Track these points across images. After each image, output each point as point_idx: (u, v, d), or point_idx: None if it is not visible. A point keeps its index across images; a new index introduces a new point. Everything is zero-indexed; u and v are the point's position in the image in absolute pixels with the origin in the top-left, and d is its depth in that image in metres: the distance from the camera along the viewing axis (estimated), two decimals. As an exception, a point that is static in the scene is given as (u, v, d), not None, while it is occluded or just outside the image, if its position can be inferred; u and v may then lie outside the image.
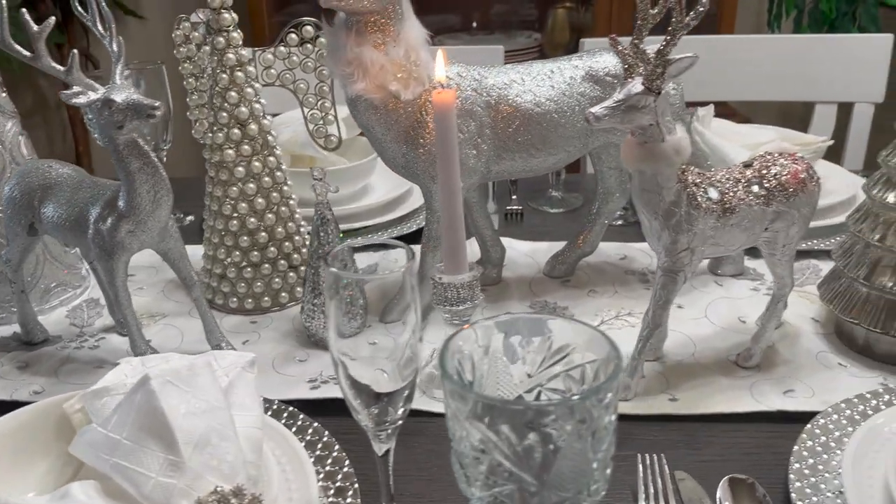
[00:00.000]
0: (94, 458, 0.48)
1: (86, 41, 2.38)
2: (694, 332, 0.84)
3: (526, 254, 1.04)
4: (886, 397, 0.69)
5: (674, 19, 0.62)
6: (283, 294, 0.91)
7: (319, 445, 0.65)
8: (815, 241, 1.00)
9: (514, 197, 1.24)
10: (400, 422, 0.54)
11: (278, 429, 0.64)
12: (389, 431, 0.54)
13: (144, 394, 0.48)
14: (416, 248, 1.03)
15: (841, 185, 1.12)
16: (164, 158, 1.19)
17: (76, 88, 0.67)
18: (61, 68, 0.67)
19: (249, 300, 0.90)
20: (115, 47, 0.71)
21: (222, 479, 0.47)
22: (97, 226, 0.73)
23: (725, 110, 2.09)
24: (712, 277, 0.95)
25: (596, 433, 0.41)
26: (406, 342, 0.55)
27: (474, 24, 2.49)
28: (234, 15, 0.85)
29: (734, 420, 0.71)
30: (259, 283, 0.90)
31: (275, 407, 0.70)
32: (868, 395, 0.69)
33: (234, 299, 0.90)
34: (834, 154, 1.38)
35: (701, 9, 0.62)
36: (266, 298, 0.91)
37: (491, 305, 0.91)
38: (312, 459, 0.63)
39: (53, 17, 0.68)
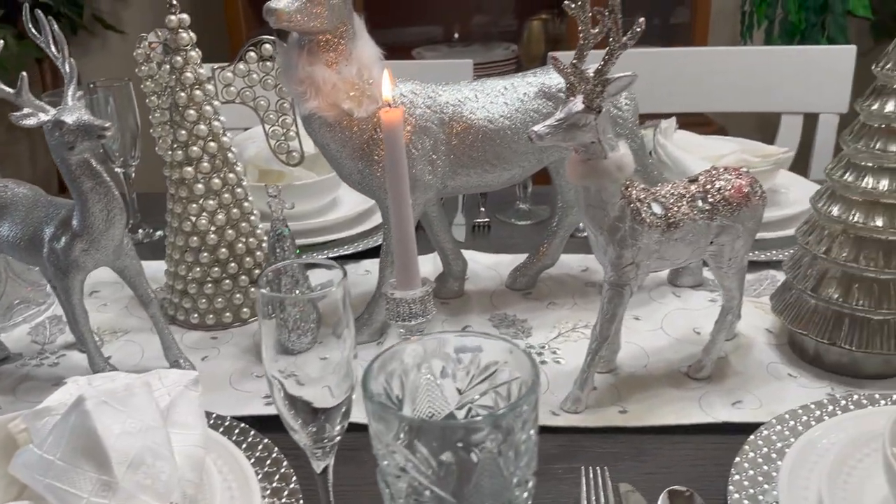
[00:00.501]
0: (30, 478, 0.48)
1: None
2: (649, 343, 0.85)
3: (489, 266, 1.05)
4: (830, 408, 0.70)
5: (611, 40, 0.64)
6: (245, 310, 0.92)
7: (268, 462, 0.66)
8: (773, 252, 1.01)
9: (482, 209, 1.26)
10: (338, 438, 0.55)
11: (227, 445, 0.64)
12: (327, 448, 0.55)
13: (79, 415, 0.48)
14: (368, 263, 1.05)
15: (803, 196, 1.12)
16: (133, 174, 1.20)
17: (26, 110, 0.68)
18: (10, 90, 0.67)
19: (210, 316, 0.91)
20: (67, 68, 0.72)
21: (156, 498, 0.48)
22: (52, 245, 0.74)
23: (702, 120, 2.11)
24: (671, 289, 0.96)
25: (515, 449, 0.42)
26: (344, 358, 0.56)
27: (456, 36, 2.52)
28: (192, 34, 0.86)
29: (682, 432, 0.72)
30: (220, 299, 0.91)
31: (227, 423, 0.71)
32: (813, 406, 0.70)
33: (195, 315, 0.91)
34: (801, 164, 1.40)
35: (638, 29, 0.63)
36: (227, 314, 0.91)
37: (451, 318, 0.92)
38: (260, 476, 0.64)
39: (1, 41, 0.69)
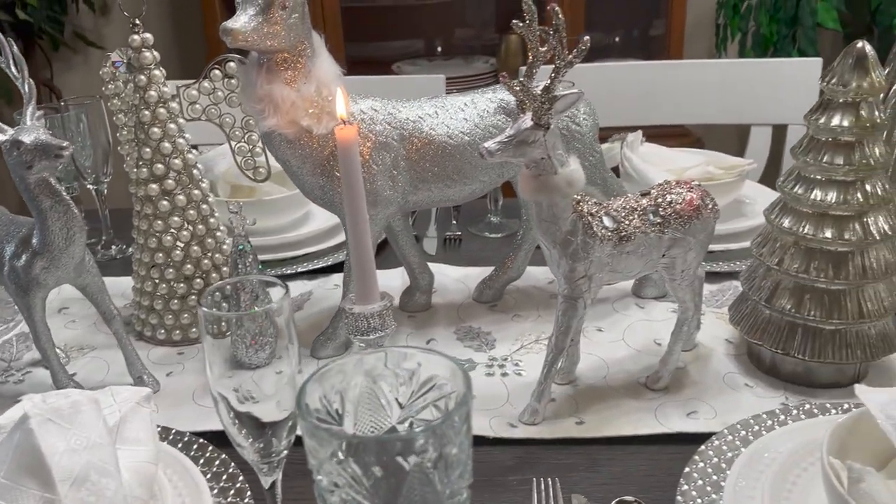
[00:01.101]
0: (-24, 496, 0.49)
1: (49, 72, 2.40)
2: (609, 355, 0.86)
3: (458, 279, 1.06)
4: (782, 417, 0.71)
5: (557, 58, 0.65)
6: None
7: (224, 477, 0.66)
8: (737, 263, 1.02)
9: (454, 222, 1.27)
10: (285, 452, 0.56)
11: (182, 461, 0.65)
12: (274, 464, 0.55)
13: (23, 433, 0.49)
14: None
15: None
16: (106, 191, 1.21)
17: (-16, 130, 0.69)
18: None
19: (177, 332, 0.92)
20: (25, 89, 0.73)
21: (99, 514, 0.48)
22: (12, 263, 0.74)
23: (681, 132, 2.13)
24: (634, 300, 0.98)
25: (445, 462, 0.43)
26: (292, 372, 0.57)
27: (439, 49, 2.54)
28: (156, 53, 0.87)
29: (637, 442, 0.72)
30: (186, 315, 0.91)
31: (186, 439, 0.71)
32: (765, 416, 0.71)
33: (162, 331, 0.92)
34: (772, 175, 1.41)
35: (583, 47, 0.65)
36: (193, 330, 0.92)
37: (416, 332, 0.93)
38: (215, 491, 0.64)
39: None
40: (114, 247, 1.20)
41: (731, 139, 2.19)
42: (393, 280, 1.04)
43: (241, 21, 0.73)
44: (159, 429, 0.73)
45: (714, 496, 0.62)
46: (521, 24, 0.66)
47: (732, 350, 0.86)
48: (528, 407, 0.76)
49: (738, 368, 0.82)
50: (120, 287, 1.04)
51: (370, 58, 2.29)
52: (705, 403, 0.76)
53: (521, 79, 0.66)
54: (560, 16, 0.64)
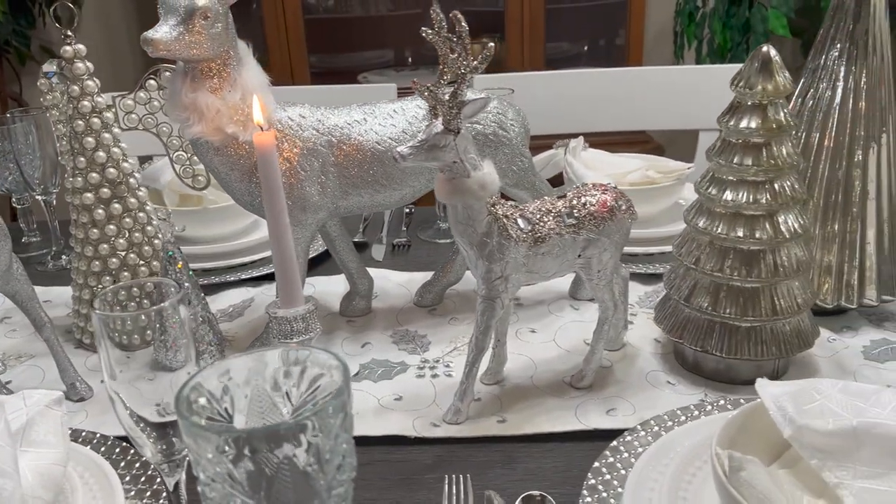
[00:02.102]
0: None
1: (17, 86, 2.41)
2: (539, 355, 0.87)
3: (400, 284, 1.07)
4: (696, 413, 0.73)
5: (463, 64, 0.67)
6: (149, 332, 0.93)
7: (143, 479, 0.67)
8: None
9: (404, 229, 1.28)
10: (185, 451, 0.57)
11: (100, 463, 0.66)
12: (176, 463, 0.56)
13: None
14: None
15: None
16: (55, 201, 1.22)
17: None
18: None
19: (122, 338, 0.92)
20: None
21: (-6, 514, 0.49)
22: (-61, 271, 0.75)
23: (642, 138, 2.16)
24: (569, 301, 0.99)
25: (318, 456, 0.44)
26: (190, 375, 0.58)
27: (410, 59, 2.56)
28: (89, 64, 0.88)
29: (556, 439, 0.74)
30: (144, 324, 0.92)
31: (109, 442, 0.72)
32: (679, 412, 0.73)
33: (100, 338, 0.92)
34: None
35: (487, 53, 0.66)
36: (135, 336, 0.92)
37: (353, 336, 0.94)
38: (132, 493, 0.65)
39: None
40: (63, 257, 1.21)
41: (692, 145, 2.22)
42: (336, 286, 1.06)
43: (162, 31, 0.74)
44: (84, 433, 0.74)
45: (619, 490, 0.63)
46: (429, 32, 0.68)
47: (660, 349, 0.87)
48: (452, 406, 0.77)
49: (663, 367, 0.84)
50: (64, 296, 1.06)
51: (336, 69, 2.31)
52: (625, 401, 0.78)
53: (430, 85, 0.67)
54: (463, 23, 0.66)
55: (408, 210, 1.35)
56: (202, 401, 0.48)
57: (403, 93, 1.69)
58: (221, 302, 1.04)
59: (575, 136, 1.25)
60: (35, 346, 0.95)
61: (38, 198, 1.19)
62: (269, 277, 1.10)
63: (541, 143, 1.26)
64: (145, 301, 0.62)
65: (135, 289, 0.60)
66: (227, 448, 0.42)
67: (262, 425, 0.49)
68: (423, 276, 1.07)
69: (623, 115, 1.55)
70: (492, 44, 0.67)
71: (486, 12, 2.17)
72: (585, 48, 2.46)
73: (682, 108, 1.48)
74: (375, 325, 0.97)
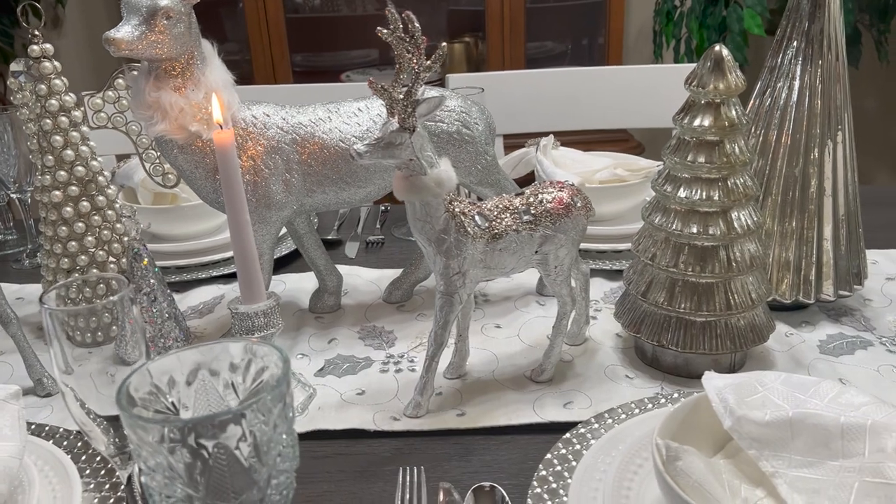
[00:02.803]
0: None
1: (1, 85, 2.41)
2: (502, 350, 0.88)
3: (371, 281, 1.08)
4: (650, 405, 0.74)
5: (416, 63, 0.68)
6: (114, 328, 0.94)
7: (102, 472, 0.68)
8: (639, 261, 1.05)
9: (378, 227, 1.29)
10: (138, 445, 0.58)
11: (59, 456, 0.67)
12: (128, 456, 0.57)
13: None
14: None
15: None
16: (30, 200, 1.22)
17: None
18: None
19: (87, 335, 0.93)
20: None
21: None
22: None
23: (623, 136, 2.18)
24: (535, 297, 1.00)
25: (255, 446, 0.45)
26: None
27: (395, 59, 2.57)
28: (57, 63, 0.89)
29: (513, 432, 0.75)
30: (93, 319, 0.93)
31: (71, 437, 0.73)
32: (633, 405, 0.74)
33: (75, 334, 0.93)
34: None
35: (440, 52, 0.68)
36: (99, 334, 0.93)
37: (320, 332, 0.95)
38: (92, 486, 0.66)
39: None
40: (39, 255, 1.22)
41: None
42: (307, 283, 1.07)
43: (124, 31, 0.75)
44: (48, 427, 0.75)
45: (568, 480, 0.64)
46: (384, 32, 0.69)
47: (621, 344, 0.89)
48: (412, 400, 0.78)
49: (623, 361, 0.85)
50: (36, 293, 1.07)
51: (319, 68, 2.32)
52: (583, 394, 0.79)
53: (383, 84, 0.68)
54: (415, 23, 0.67)
55: (383, 208, 1.37)
56: (147, 393, 0.49)
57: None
58: (193, 299, 1.05)
59: (553, 134, 1.26)
60: (3, 342, 0.96)
61: (13, 196, 1.20)
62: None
63: (518, 143, 1.27)
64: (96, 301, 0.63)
65: (87, 287, 0.61)
66: (164, 438, 0.44)
67: (200, 416, 0.50)
68: (393, 273, 1.08)
69: (601, 113, 1.56)
70: (444, 44, 0.68)
71: (467, 11, 2.18)
72: (569, 48, 2.48)
73: (660, 107, 1.50)
74: (343, 321, 0.98)
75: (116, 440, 0.57)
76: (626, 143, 2.05)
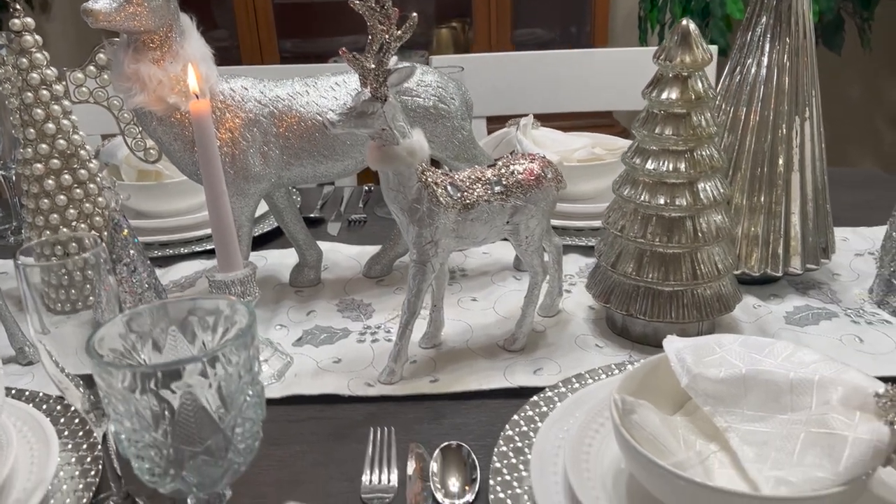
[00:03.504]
0: None
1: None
2: (477, 321, 0.90)
3: (351, 257, 1.10)
4: (616, 371, 0.76)
5: (387, 33, 0.69)
6: (91, 297, 0.95)
7: (80, 433, 0.70)
8: (615, 237, 1.07)
9: (361, 206, 1.31)
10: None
11: (36, 416, 0.69)
12: (101, 412, 0.59)
13: None
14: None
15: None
16: (14, 177, 1.23)
17: None
18: None
19: (67, 305, 0.95)
20: None
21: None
22: None
23: (608, 122, 2.19)
24: (512, 272, 1.02)
25: (220, 393, 0.47)
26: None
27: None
28: (38, 38, 0.90)
29: (483, 397, 0.77)
30: (73, 290, 0.94)
31: (50, 401, 0.75)
32: (600, 370, 0.76)
33: (57, 304, 0.95)
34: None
35: (411, 23, 0.69)
36: (79, 304, 0.95)
37: (299, 305, 0.97)
38: (70, 446, 0.68)
39: None
40: (23, 232, 1.23)
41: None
42: (288, 259, 1.08)
43: (102, 2, 0.76)
44: (28, 392, 0.76)
45: (533, 439, 0.66)
46: (356, 3, 0.71)
47: (592, 315, 0.91)
48: (386, 367, 0.80)
49: (594, 331, 0.87)
50: (21, 268, 1.08)
51: (306, 52, 2.33)
52: (553, 362, 0.81)
53: (355, 54, 0.70)
54: (386, -6, 0.68)
55: (367, 188, 1.38)
56: (118, 348, 0.51)
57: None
58: (175, 274, 1.06)
59: (537, 118, 1.28)
60: (-12, 314, 0.97)
61: (-2, 173, 1.21)
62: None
63: (503, 125, 1.29)
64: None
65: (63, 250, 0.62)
66: (131, 384, 0.45)
67: (165, 361, 0.52)
68: (373, 250, 1.09)
69: (584, 95, 1.58)
70: (415, 14, 0.69)
71: (456, -3, 2.20)
72: (557, 35, 2.49)
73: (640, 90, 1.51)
74: (323, 294, 1.00)
75: (91, 397, 0.59)
76: (612, 128, 2.06)
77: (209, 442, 0.48)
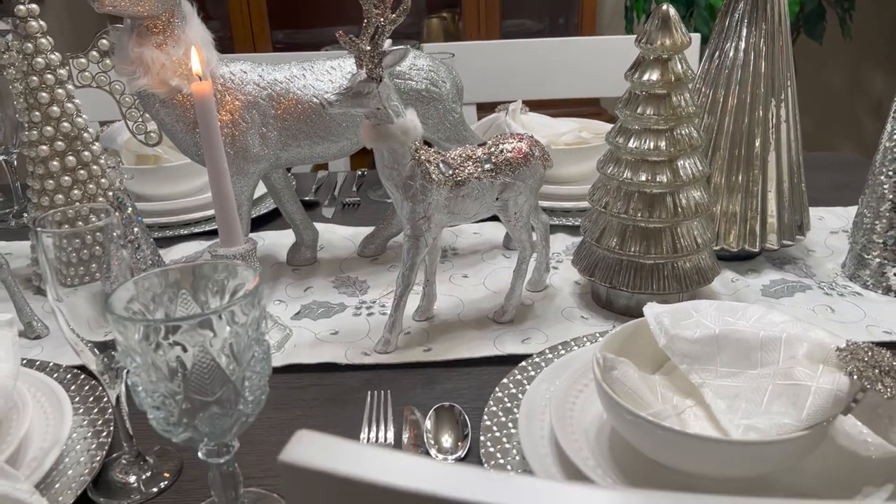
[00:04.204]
0: None
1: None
2: (468, 296, 0.94)
3: (346, 237, 1.14)
4: (600, 338, 0.80)
5: (381, 16, 0.73)
6: (103, 265, 0.99)
7: (91, 399, 0.74)
8: (600, 217, 1.11)
9: (354, 189, 1.35)
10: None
11: (49, 383, 0.73)
12: (115, 373, 0.63)
13: None
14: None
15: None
16: (15, 162, 1.26)
17: None
18: None
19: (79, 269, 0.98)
20: None
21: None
22: None
23: (596, 110, 2.23)
24: (501, 251, 1.06)
25: (230, 346, 0.51)
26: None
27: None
28: (43, 23, 0.93)
29: (475, 364, 0.81)
30: (81, 268, 0.98)
31: (61, 370, 0.78)
32: (585, 338, 0.80)
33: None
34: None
35: (404, 7, 0.73)
36: (87, 278, 0.98)
37: (296, 282, 1.00)
38: (81, 410, 0.72)
39: None
40: (25, 215, 1.26)
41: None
42: (285, 239, 1.12)
43: (108, -12, 0.79)
44: (38, 362, 0.80)
45: (521, 399, 0.70)
46: (353, -12, 0.74)
47: (578, 290, 0.95)
48: (381, 338, 0.84)
49: (579, 304, 0.91)
50: (26, 250, 1.11)
51: (298, 42, 2.36)
52: (540, 331, 0.85)
53: (352, 36, 0.73)
54: (381, -21, 0.72)
55: (360, 173, 1.42)
56: (135, 306, 0.55)
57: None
58: (175, 253, 1.09)
59: (526, 104, 1.32)
60: (-6, 292, 1.00)
61: (0, 158, 1.24)
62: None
63: (491, 111, 1.33)
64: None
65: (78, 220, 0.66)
66: (146, 338, 0.49)
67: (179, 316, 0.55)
68: (367, 231, 1.13)
69: (572, 82, 1.62)
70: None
71: (445, -12, 2.23)
72: (545, 25, 2.53)
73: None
74: (319, 272, 1.03)
75: (104, 359, 0.63)
76: (599, 115, 2.10)
77: (220, 393, 0.51)
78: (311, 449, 0.35)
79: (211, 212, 1.20)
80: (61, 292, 0.63)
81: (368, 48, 0.73)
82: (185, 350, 0.49)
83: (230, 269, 0.56)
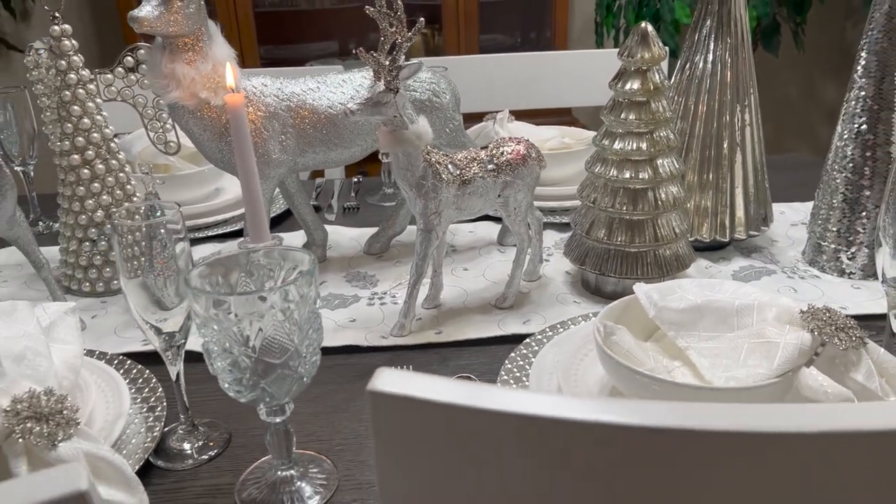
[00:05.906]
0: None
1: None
2: (470, 286, 1.04)
3: (352, 238, 1.22)
4: (593, 318, 0.90)
5: (399, 35, 0.82)
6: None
7: (141, 380, 0.81)
8: (585, 215, 1.22)
9: (353, 195, 1.44)
10: (183, 341, 0.71)
11: (105, 368, 0.80)
12: (176, 350, 0.71)
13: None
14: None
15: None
16: (32, 173, 1.33)
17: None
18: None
19: (100, 284, 1.05)
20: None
21: (35, 383, 0.62)
22: (-49, 217, 0.87)
23: (569, 120, 2.35)
24: (497, 247, 1.16)
25: (290, 318, 0.59)
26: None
27: (354, 51, 2.71)
28: (75, 42, 1.01)
29: (482, 344, 0.90)
30: (108, 269, 1.05)
31: (108, 356, 0.86)
32: (580, 318, 0.90)
33: (87, 284, 1.05)
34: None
35: (419, 26, 0.82)
36: (115, 282, 1.06)
37: (311, 277, 1.09)
38: (132, 390, 0.79)
39: None
40: (41, 223, 1.32)
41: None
42: (295, 240, 1.20)
43: (146, 10, 0.88)
44: (85, 351, 0.87)
45: (528, 370, 0.80)
46: (371, 10, 0.84)
47: (569, 279, 1.05)
48: (397, 323, 0.92)
49: (571, 291, 1.01)
50: (47, 255, 1.17)
51: (284, 59, 2.44)
52: (538, 314, 0.95)
53: (373, 52, 0.83)
54: (399, 1, 0.82)
55: (356, 179, 1.51)
56: (205, 286, 0.63)
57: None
58: (193, 255, 1.17)
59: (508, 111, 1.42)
60: (26, 293, 1.07)
61: (17, 169, 1.30)
62: (232, 235, 1.24)
63: (473, 122, 1.43)
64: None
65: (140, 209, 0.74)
66: (221, 307, 0.57)
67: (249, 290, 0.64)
68: (371, 231, 1.22)
69: (548, 94, 1.73)
70: (422, 19, 0.83)
71: (425, 5, 2.33)
72: (518, 40, 2.65)
73: (600, 88, 1.67)
74: (330, 269, 1.12)
75: (166, 338, 0.71)
76: (571, 125, 2.22)
77: (286, 356, 0.60)
78: (392, 380, 0.44)
79: (220, 216, 1.28)
80: (123, 280, 0.71)
81: (387, 62, 0.82)
82: (260, 317, 0.58)
83: (283, 254, 0.65)
